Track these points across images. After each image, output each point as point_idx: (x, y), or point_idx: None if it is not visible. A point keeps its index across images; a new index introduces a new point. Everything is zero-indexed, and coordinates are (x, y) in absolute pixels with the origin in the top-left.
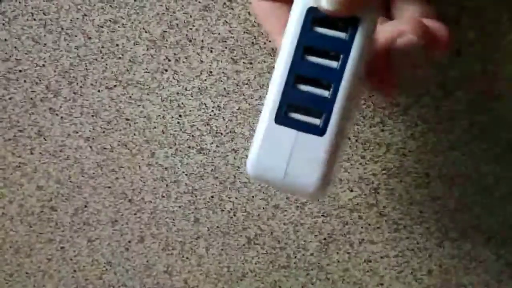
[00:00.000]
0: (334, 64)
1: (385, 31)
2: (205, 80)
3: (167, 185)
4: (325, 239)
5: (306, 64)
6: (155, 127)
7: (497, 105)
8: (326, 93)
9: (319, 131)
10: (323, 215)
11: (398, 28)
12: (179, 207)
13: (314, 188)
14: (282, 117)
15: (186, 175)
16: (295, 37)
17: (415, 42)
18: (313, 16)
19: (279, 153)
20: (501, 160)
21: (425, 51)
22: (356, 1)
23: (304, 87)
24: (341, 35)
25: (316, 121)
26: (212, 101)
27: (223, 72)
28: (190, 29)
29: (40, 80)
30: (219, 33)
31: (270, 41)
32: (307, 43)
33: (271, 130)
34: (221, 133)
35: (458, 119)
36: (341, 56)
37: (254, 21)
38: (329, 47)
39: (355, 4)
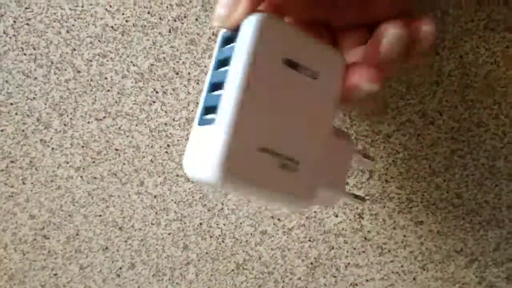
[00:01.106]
0: (225, 68)
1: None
2: (192, 111)
3: (156, 213)
4: (311, 263)
5: (215, 73)
6: (144, 157)
7: (477, 132)
8: (220, 92)
9: (213, 121)
10: (309, 240)
11: (380, 27)
12: (169, 234)
13: (216, 177)
14: (200, 119)
15: (175, 202)
16: (214, 55)
17: (400, 36)
18: (223, 36)
19: (195, 150)
20: (482, 186)
21: (411, 46)
22: (233, 16)
23: (214, 92)
24: (232, 45)
25: (214, 115)
26: None
27: None
28: (177, 62)
29: (31, 113)
30: (205, 66)
31: None
32: (217, 57)
33: (195, 132)
34: None
35: (439, 147)
36: (230, 59)
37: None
38: (224, 56)
39: (232, 18)
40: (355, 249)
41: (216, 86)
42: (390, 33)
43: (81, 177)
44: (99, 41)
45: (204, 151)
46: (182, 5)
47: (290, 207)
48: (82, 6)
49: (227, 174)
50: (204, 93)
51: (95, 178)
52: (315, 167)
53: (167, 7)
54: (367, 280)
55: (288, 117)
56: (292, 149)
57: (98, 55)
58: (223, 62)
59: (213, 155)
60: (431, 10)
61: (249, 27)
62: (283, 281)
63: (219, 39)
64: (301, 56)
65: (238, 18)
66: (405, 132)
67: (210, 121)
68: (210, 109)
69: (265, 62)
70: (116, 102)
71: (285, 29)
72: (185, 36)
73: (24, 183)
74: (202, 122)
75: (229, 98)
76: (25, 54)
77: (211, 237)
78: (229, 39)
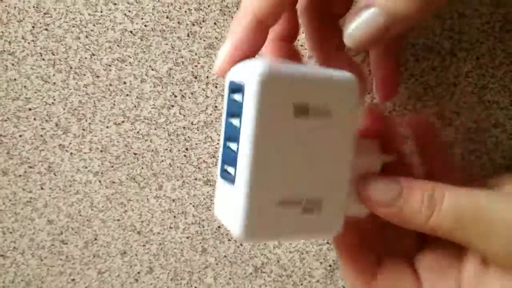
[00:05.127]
0: (237, 122)
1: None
2: (211, 114)
3: (174, 217)
4: (330, 266)
5: (229, 125)
6: (162, 161)
7: (494, 133)
8: (235, 147)
9: (232, 180)
10: (327, 243)
11: None
12: (187, 237)
13: (239, 236)
14: (221, 172)
15: (194, 206)
16: (225, 101)
17: None
18: (230, 85)
19: (222, 199)
20: None
21: None
22: (223, 66)
23: (231, 145)
24: (240, 97)
25: (232, 171)
26: (217, 134)
27: None
28: (195, 66)
29: (50, 118)
30: None
31: None
32: (228, 108)
33: (219, 185)
34: None
35: (457, 147)
36: (240, 115)
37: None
38: (233, 109)
39: (223, 68)
40: None
41: (231, 138)
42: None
43: (100, 181)
44: (118, 46)
45: (228, 207)
46: (201, 9)
47: (325, 237)
48: (101, 11)
49: (248, 234)
50: (221, 143)
51: (113, 182)
52: (339, 197)
53: (185, 11)
54: None
55: (305, 162)
56: (313, 190)
57: (117, 59)
58: (234, 114)
59: (234, 216)
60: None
61: (252, 87)
62: (302, 284)
63: (226, 85)
64: (309, 99)
65: (223, 68)
66: None
67: (230, 179)
68: (228, 162)
69: (274, 116)
70: (135, 106)
71: (288, 77)
72: (204, 40)
73: (42, 188)
74: (223, 176)
75: (243, 158)
76: (43, 59)
77: (229, 240)
78: (237, 89)
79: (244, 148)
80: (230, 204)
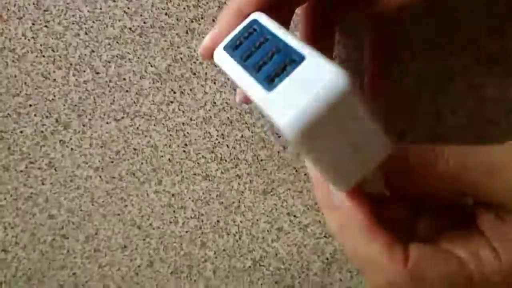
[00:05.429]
0: (267, 43)
1: None
2: (209, 110)
3: (174, 211)
4: (327, 259)
5: (252, 61)
6: (162, 156)
7: (489, 128)
8: (278, 54)
9: (300, 58)
10: (325, 236)
11: None
12: (186, 232)
13: (340, 79)
14: (269, 84)
15: (193, 201)
16: (231, 65)
17: None
18: (227, 49)
19: (297, 98)
20: None
21: None
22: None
23: (264, 67)
24: (252, 33)
25: (288, 61)
26: (216, 129)
27: (226, 102)
28: (194, 62)
29: (50, 114)
30: None
31: None
32: (241, 57)
33: (272, 98)
34: (225, 160)
35: (451, 142)
36: (266, 35)
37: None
38: (253, 42)
39: (208, 52)
40: None
41: (274, 52)
42: None
43: (100, 177)
44: (117, 42)
45: (299, 92)
46: (199, 6)
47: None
48: (101, 8)
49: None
50: (248, 78)
51: (113, 177)
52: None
53: (184, 8)
54: None
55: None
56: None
57: (117, 56)
58: (251, 49)
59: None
60: None
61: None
62: (300, 277)
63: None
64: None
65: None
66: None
67: (293, 66)
68: (274, 74)
69: None
70: (134, 102)
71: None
72: (202, 37)
73: (43, 184)
74: (278, 81)
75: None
76: (44, 56)
77: (228, 234)
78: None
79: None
80: (307, 83)
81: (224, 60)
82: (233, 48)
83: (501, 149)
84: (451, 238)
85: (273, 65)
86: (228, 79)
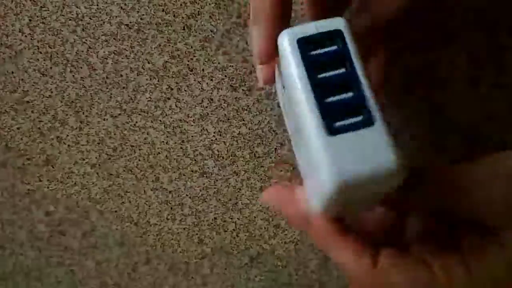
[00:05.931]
0: (343, 69)
1: None
2: (206, 107)
3: (171, 208)
4: (325, 256)
5: (322, 79)
6: (159, 153)
7: (486, 125)
8: (350, 94)
9: (370, 121)
10: None
11: None
12: (184, 228)
13: (394, 165)
14: (332, 129)
15: (190, 198)
16: (298, 66)
17: None
18: (301, 44)
19: (351, 156)
20: None
21: None
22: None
23: (332, 98)
24: (334, 47)
25: (360, 117)
26: (213, 126)
27: (223, 99)
28: (191, 59)
29: (47, 110)
30: (218, 63)
31: None
32: (312, 65)
33: (330, 143)
34: (223, 157)
35: (448, 140)
36: (346, 60)
37: (252, 51)
38: (331, 59)
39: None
40: None
41: (331, 91)
42: None
43: (97, 173)
44: (114, 39)
45: (370, 151)
46: (196, 2)
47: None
48: (97, 5)
49: (402, 162)
50: (308, 102)
51: (111, 174)
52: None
53: (181, 4)
54: None
55: None
56: None
57: (113, 52)
58: (326, 66)
59: (386, 149)
60: None
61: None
62: (297, 274)
63: (294, 45)
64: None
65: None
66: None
67: (361, 124)
68: (338, 116)
69: None
70: (131, 99)
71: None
72: (199, 34)
73: (40, 180)
74: (342, 130)
75: (374, 102)
76: (41, 53)
77: (225, 231)
78: (311, 45)
79: (367, 92)
80: (367, 148)
81: (291, 52)
82: (306, 46)
83: (478, 167)
84: (429, 247)
85: (342, 110)
86: (226, 75)
